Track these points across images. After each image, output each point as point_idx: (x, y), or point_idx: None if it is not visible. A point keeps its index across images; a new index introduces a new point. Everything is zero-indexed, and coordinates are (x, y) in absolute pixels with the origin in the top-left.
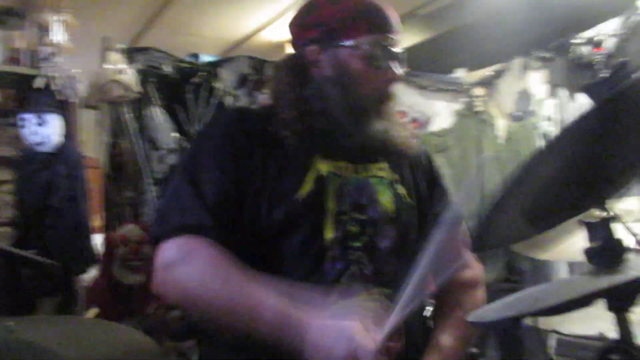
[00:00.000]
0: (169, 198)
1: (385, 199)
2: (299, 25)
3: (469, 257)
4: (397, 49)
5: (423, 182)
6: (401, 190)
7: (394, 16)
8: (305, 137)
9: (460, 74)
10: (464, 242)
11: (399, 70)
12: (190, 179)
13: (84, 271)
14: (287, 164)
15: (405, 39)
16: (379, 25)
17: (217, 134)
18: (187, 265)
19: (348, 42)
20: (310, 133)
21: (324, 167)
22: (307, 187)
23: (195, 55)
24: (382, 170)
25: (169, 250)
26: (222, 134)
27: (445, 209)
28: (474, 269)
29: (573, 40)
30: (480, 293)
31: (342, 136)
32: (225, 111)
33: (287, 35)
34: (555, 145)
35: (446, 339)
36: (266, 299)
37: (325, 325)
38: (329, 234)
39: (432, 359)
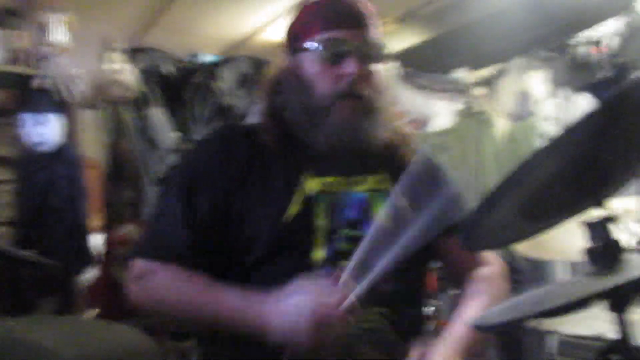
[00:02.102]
0: (155, 219)
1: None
2: (283, 37)
3: (489, 255)
4: (353, 43)
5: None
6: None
7: (357, 8)
8: (291, 153)
9: (460, 74)
10: None
11: (355, 65)
12: (176, 201)
13: (80, 271)
14: (273, 184)
15: (405, 39)
16: (332, 21)
17: (203, 156)
18: (156, 276)
19: (304, 46)
20: (297, 149)
21: (313, 185)
22: (295, 208)
23: (195, 55)
24: (381, 182)
25: (140, 265)
26: (209, 157)
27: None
28: (495, 264)
29: (573, 40)
30: (504, 284)
31: (329, 149)
32: (213, 132)
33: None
34: (555, 145)
35: (471, 312)
36: (226, 299)
37: (282, 307)
38: (318, 253)
39: (457, 330)
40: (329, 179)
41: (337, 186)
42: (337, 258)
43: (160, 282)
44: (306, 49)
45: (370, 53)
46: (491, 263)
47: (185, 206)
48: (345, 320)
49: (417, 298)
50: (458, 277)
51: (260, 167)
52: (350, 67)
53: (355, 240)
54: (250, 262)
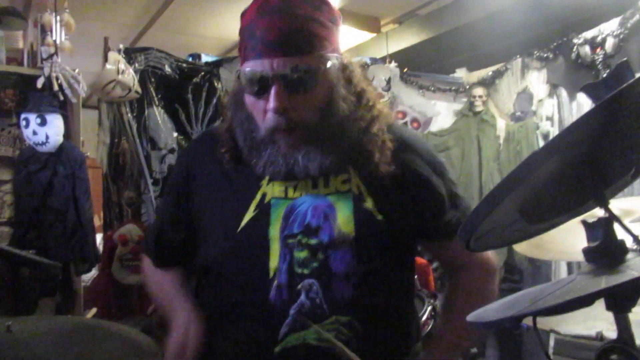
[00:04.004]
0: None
1: (344, 218)
2: None
3: (482, 255)
4: (279, 72)
5: (410, 187)
6: (369, 204)
7: (286, 28)
8: (250, 160)
9: (460, 74)
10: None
11: (276, 98)
12: (159, 207)
13: (87, 271)
14: (234, 191)
15: (405, 39)
16: (255, 50)
17: (176, 166)
18: (146, 275)
19: (238, 72)
20: (255, 156)
21: (270, 190)
22: (249, 216)
23: (196, 55)
24: (347, 182)
25: (144, 262)
26: (181, 163)
27: (450, 214)
28: (489, 262)
29: (573, 40)
30: (493, 286)
31: (271, 176)
32: (192, 142)
33: None
34: (555, 145)
35: (455, 322)
36: (166, 302)
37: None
38: (273, 262)
39: (443, 336)
40: (289, 183)
41: (297, 190)
42: (293, 265)
43: (144, 271)
44: (238, 76)
45: (302, 77)
46: (485, 262)
47: (160, 209)
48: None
49: (389, 303)
50: (451, 272)
51: (223, 174)
52: (271, 102)
53: (312, 248)
54: (212, 268)
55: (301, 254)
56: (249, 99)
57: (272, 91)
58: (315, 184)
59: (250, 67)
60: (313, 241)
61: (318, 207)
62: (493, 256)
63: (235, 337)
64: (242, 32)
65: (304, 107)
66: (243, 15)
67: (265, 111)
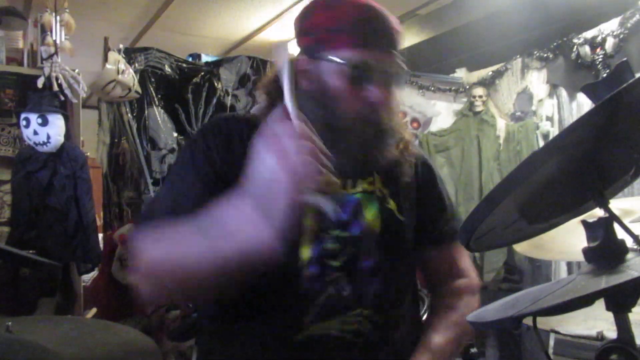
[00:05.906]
0: (152, 200)
1: (372, 215)
2: (296, 30)
3: (467, 265)
4: (383, 67)
5: (421, 194)
6: (392, 205)
7: (388, 28)
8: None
9: (460, 74)
10: (461, 250)
11: (381, 92)
12: (170, 187)
13: (90, 270)
14: None
15: (405, 39)
16: (363, 41)
17: (199, 144)
18: (149, 246)
19: (331, 57)
20: (328, 143)
21: None
22: None
23: (196, 55)
24: (372, 184)
25: (135, 246)
26: (205, 146)
27: (444, 222)
28: (470, 277)
29: (573, 40)
30: (475, 300)
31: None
32: (213, 120)
33: (286, 35)
34: (555, 145)
35: (438, 339)
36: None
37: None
38: (305, 253)
39: (422, 358)
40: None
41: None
42: (324, 257)
43: (141, 243)
44: (331, 60)
45: (394, 77)
46: (466, 276)
47: (180, 181)
48: (301, 135)
49: (405, 300)
50: (433, 285)
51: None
52: (376, 94)
53: (343, 241)
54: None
55: (332, 246)
56: (339, 83)
57: (377, 83)
58: (344, 184)
59: (358, 53)
60: (344, 234)
61: (347, 204)
62: (475, 272)
63: (260, 324)
64: (336, 15)
65: (388, 104)
66: (331, 6)
67: (358, 99)
